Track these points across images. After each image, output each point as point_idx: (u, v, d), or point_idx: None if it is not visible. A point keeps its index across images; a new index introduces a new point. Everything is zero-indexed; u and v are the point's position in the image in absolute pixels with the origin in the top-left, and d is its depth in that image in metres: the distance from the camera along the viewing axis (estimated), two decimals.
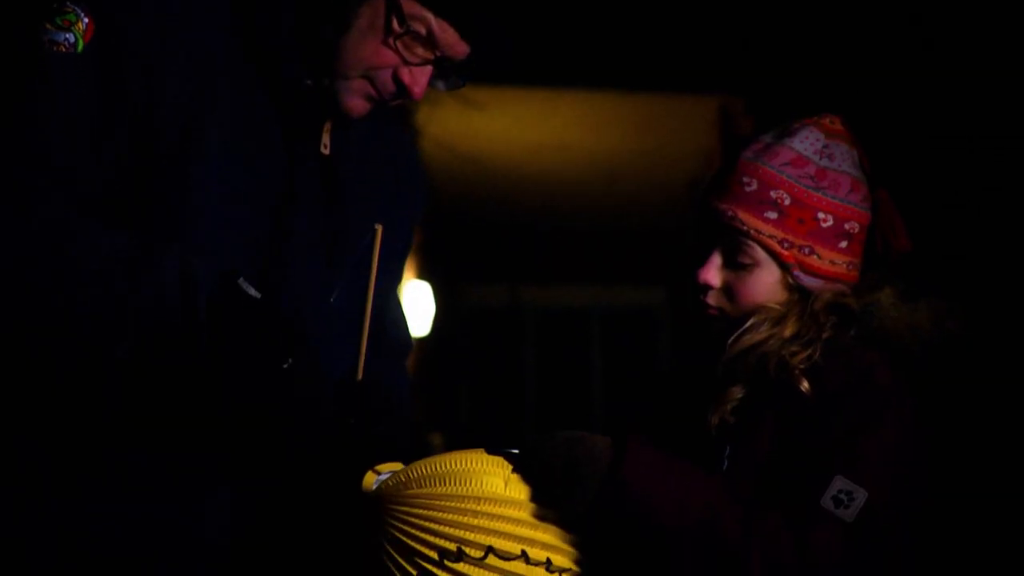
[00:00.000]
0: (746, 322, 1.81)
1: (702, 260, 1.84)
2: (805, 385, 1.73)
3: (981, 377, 3.42)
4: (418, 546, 1.62)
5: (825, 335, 1.78)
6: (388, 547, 1.63)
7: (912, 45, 4.17)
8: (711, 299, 1.84)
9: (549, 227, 9.25)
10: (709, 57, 5.61)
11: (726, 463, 1.75)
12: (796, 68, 4.91)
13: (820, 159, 1.83)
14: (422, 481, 1.64)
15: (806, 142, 1.83)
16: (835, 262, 1.82)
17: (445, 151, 7.11)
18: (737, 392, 1.78)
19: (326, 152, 1.83)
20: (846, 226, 1.82)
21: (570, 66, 6.02)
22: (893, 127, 3.89)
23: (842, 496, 1.64)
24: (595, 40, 5.77)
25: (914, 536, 1.75)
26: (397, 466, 1.70)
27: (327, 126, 1.82)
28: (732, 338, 1.81)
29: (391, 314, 2.05)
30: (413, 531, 1.62)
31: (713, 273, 1.83)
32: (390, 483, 1.66)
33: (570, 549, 1.66)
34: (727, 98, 6.10)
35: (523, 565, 1.62)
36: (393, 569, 1.63)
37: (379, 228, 1.76)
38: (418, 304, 7.01)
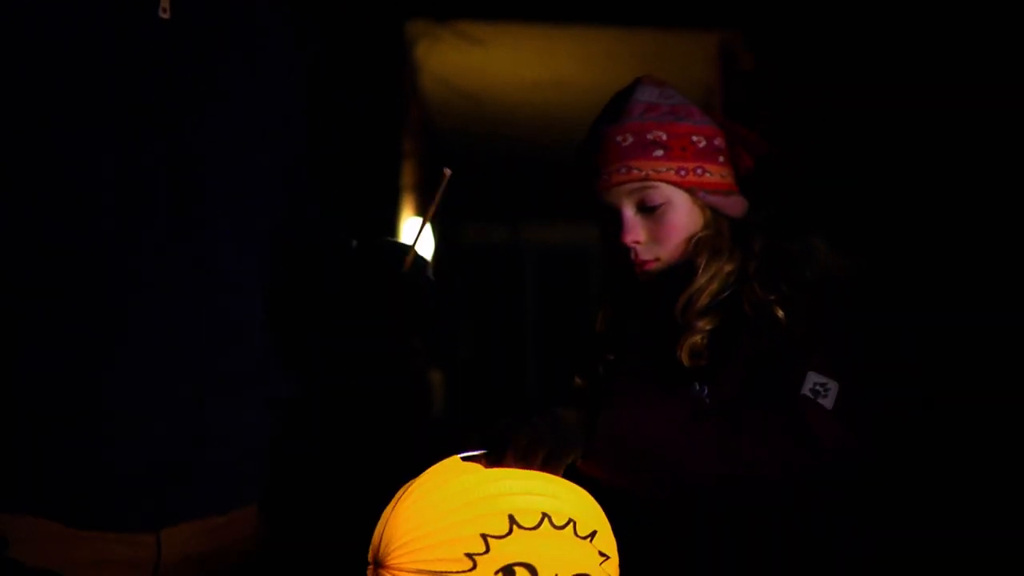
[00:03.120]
0: (681, 260, 1.91)
1: (617, 228, 1.92)
2: (780, 313, 1.83)
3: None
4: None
5: (783, 273, 1.87)
6: None
7: None
8: (644, 254, 1.92)
9: (549, 164, 9.23)
10: None
11: (707, 401, 1.82)
12: (796, 2, 4.88)
13: (666, 100, 1.96)
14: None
15: (645, 93, 1.97)
16: (723, 175, 1.95)
17: (444, 88, 7.08)
18: (705, 326, 1.87)
19: (165, 16, 1.74)
20: (716, 142, 1.95)
21: (569, 2, 5.98)
22: (891, 60, 3.88)
23: (818, 388, 1.76)
24: None
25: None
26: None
27: None
28: (690, 290, 1.89)
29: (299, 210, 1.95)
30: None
31: (635, 230, 1.92)
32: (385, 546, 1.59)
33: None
34: (727, 33, 6.07)
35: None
36: None
37: (447, 172, 1.76)
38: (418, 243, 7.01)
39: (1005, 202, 3.64)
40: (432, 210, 1.80)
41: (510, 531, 1.55)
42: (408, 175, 6.80)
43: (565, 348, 2.06)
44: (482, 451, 1.66)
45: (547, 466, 1.65)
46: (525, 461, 1.64)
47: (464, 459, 1.66)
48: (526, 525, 1.55)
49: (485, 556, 1.54)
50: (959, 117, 3.81)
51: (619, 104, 1.97)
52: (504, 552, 1.54)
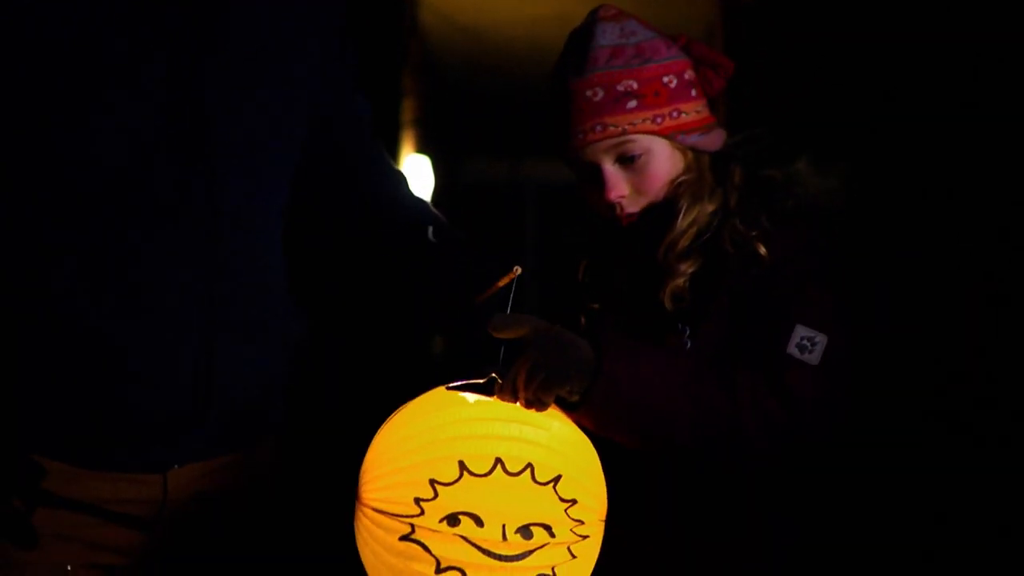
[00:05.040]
0: (663, 201, 1.89)
1: (597, 183, 1.89)
2: (762, 249, 1.81)
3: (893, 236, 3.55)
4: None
5: (765, 204, 1.86)
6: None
7: None
8: (630, 207, 1.90)
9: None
10: None
11: (688, 343, 1.82)
12: None
13: (629, 39, 1.90)
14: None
15: (606, 35, 1.90)
16: (698, 110, 1.91)
17: (444, 23, 7.04)
18: (687, 269, 1.85)
19: None
20: (686, 76, 1.91)
21: None
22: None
23: (805, 342, 1.75)
24: None
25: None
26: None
27: None
28: (671, 235, 1.87)
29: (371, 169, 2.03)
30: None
31: (619, 185, 1.88)
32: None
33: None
34: None
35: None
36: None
37: (517, 270, 1.73)
38: (418, 178, 7.01)
39: (1010, 143, 3.63)
40: (488, 294, 1.75)
41: (460, 477, 1.53)
42: (408, 111, 6.78)
43: (546, 298, 2.03)
44: (472, 380, 1.64)
45: (541, 392, 1.62)
46: (518, 393, 1.62)
47: (450, 388, 1.64)
48: (477, 472, 1.53)
49: (432, 503, 1.53)
50: (963, 53, 3.80)
51: (581, 51, 1.90)
52: (451, 500, 1.52)
